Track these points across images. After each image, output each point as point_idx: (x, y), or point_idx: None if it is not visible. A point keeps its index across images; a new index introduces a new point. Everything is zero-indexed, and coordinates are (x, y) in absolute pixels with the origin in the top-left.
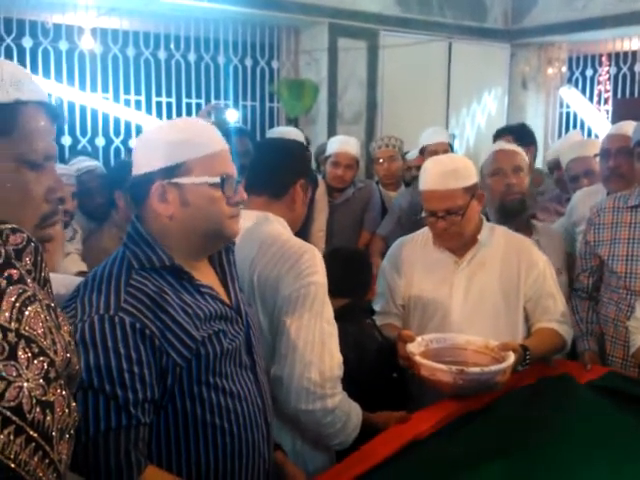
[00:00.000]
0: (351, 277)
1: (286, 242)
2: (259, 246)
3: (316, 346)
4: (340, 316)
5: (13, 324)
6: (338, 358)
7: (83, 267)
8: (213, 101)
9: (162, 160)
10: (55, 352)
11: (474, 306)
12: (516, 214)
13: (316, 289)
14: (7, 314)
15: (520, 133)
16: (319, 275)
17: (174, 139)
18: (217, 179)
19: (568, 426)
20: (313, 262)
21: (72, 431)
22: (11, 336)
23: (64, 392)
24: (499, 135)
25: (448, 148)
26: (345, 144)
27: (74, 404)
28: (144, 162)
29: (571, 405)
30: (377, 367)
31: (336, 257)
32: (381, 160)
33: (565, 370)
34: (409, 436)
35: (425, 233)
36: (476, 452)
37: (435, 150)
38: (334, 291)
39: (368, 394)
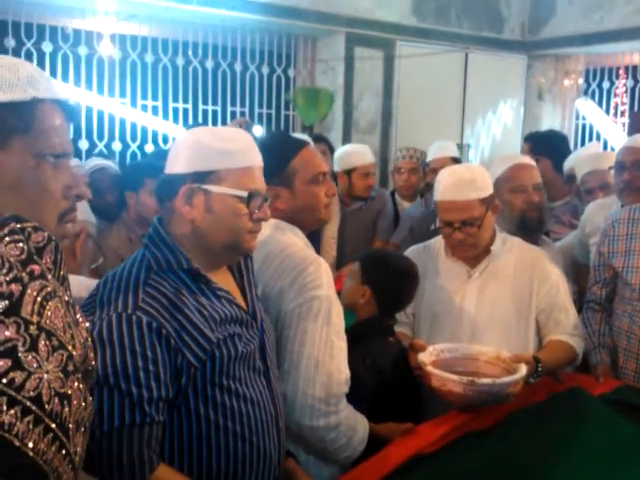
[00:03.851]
0: (399, 295)
1: (291, 254)
2: (264, 258)
3: (322, 361)
4: (362, 333)
5: (35, 317)
6: (346, 374)
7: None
8: (229, 108)
9: (196, 164)
10: (73, 346)
11: (485, 317)
12: (536, 231)
13: (320, 303)
14: (29, 307)
15: (564, 144)
16: (324, 288)
17: (213, 146)
18: (244, 193)
19: (581, 443)
20: (317, 274)
21: (87, 424)
22: (32, 328)
23: (81, 386)
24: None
25: (449, 163)
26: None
27: (90, 398)
28: (179, 162)
29: (583, 421)
30: (397, 388)
31: (393, 268)
32: (402, 170)
33: (576, 383)
34: (414, 449)
35: (437, 242)
36: (488, 470)
37: (435, 168)
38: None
39: (386, 413)
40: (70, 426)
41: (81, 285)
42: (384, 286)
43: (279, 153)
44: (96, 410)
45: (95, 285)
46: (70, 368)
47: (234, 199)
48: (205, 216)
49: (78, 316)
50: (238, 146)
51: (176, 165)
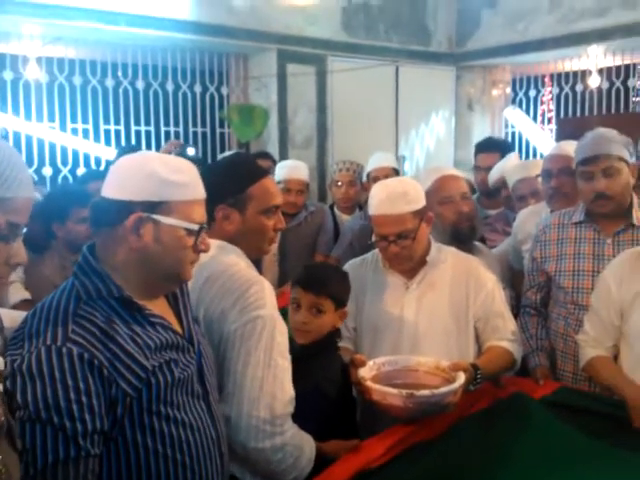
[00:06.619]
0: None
1: (233, 274)
2: (206, 279)
3: (266, 382)
4: (317, 351)
5: None
6: (290, 394)
7: (27, 295)
8: (163, 128)
9: (148, 193)
10: None
11: (425, 327)
12: (468, 240)
13: (263, 323)
14: None
15: (506, 150)
16: (267, 308)
17: (165, 177)
18: (195, 227)
19: (523, 447)
20: (261, 295)
21: (3, 477)
22: None
23: None
24: (486, 149)
25: (391, 172)
26: (295, 170)
27: (1, 457)
28: (125, 188)
29: (525, 425)
30: (342, 401)
31: (343, 273)
32: (340, 183)
33: (517, 388)
34: (360, 465)
35: (375, 255)
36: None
37: (377, 176)
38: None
39: (334, 428)
40: None
41: (4, 317)
42: (347, 291)
43: (241, 175)
44: (29, 446)
45: (21, 317)
46: None
47: (182, 231)
48: (152, 246)
49: None
50: (188, 178)
51: (121, 191)
